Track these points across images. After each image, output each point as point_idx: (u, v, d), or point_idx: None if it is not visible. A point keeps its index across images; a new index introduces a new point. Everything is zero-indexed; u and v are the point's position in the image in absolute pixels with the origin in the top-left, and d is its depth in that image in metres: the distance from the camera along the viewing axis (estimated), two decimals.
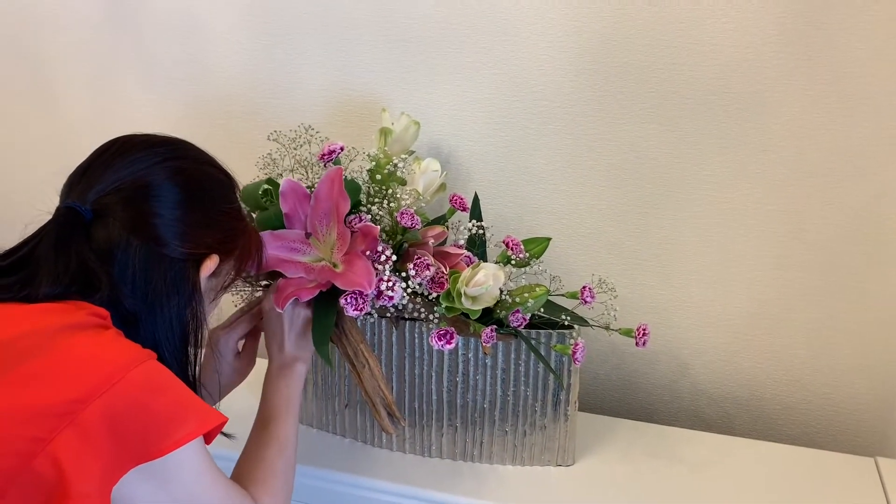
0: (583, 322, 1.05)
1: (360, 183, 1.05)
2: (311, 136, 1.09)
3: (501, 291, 1.00)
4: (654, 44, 1.10)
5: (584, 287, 1.02)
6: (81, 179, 0.78)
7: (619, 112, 1.14)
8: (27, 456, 0.65)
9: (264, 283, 1.06)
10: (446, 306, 0.97)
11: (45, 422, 0.66)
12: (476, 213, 1.11)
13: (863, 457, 1.13)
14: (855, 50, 1.03)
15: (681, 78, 1.10)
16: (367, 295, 0.94)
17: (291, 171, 1.07)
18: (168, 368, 0.75)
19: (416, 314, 1.02)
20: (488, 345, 0.97)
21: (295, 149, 1.08)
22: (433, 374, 1.09)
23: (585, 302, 1.02)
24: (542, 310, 1.04)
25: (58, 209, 0.79)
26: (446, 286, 0.97)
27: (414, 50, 1.20)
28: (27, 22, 1.40)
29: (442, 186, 1.13)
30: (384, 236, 1.01)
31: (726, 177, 1.13)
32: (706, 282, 1.20)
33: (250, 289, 1.07)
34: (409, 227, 0.98)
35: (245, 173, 1.04)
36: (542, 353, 1.04)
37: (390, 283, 0.95)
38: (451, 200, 1.07)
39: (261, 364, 1.03)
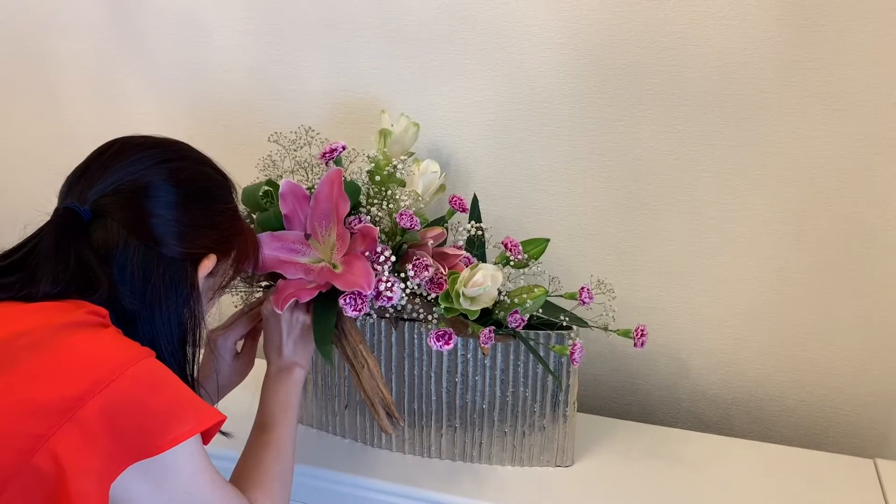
0: (581, 323, 1.05)
1: (360, 184, 1.06)
2: (312, 137, 1.09)
3: (500, 292, 1.00)
4: (653, 45, 1.10)
5: (582, 288, 1.03)
6: (80, 180, 0.79)
7: (618, 114, 1.14)
8: (27, 452, 0.66)
9: (264, 284, 1.07)
10: (445, 307, 0.98)
11: (45, 418, 0.67)
12: (475, 214, 1.11)
13: (862, 458, 1.13)
14: (854, 52, 1.03)
15: (680, 80, 1.10)
16: (365, 295, 0.95)
17: (292, 172, 1.08)
18: (167, 367, 0.75)
19: (414, 315, 1.02)
20: (487, 345, 0.98)
21: (295, 150, 1.09)
22: (432, 374, 1.09)
23: (584, 303, 1.02)
24: (540, 311, 1.04)
25: (57, 210, 0.79)
26: (445, 287, 0.98)
27: (414, 52, 1.20)
28: (30, 23, 1.41)
29: (441, 188, 1.13)
30: (383, 237, 1.01)
31: (726, 178, 1.14)
32: (706, 283, 1.20)
33: (250, 290, 1.08)
34: (408, 228, 0.98)
35: (245, 175, 1.05)
36: (541, 354, 1.04)
37: (389, 284, 0.95)
38: (450, 202, 1.07)
39: (260, 365, 1.03)
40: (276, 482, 0.89)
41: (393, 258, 0.96)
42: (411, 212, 0.99)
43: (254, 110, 1.32)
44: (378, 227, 0.99)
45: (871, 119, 1.06)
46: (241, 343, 1.05)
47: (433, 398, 1.11)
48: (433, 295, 0.98)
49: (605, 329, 1.04)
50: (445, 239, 1.06)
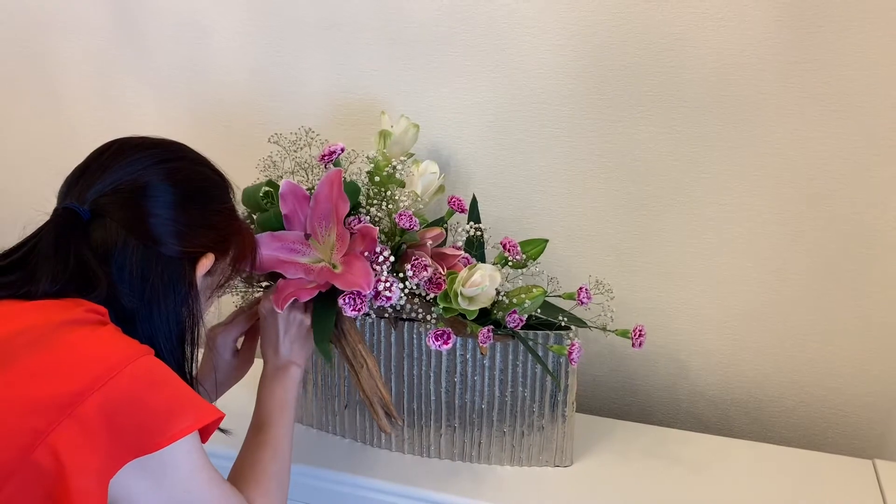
0: (580, 323, 1.05)
1: (360, 185, 1.06)
2: (312, 138, 1.10)
3: (498, 292, 1.00)
4: (651, 47, 1.10)
5: (580, 288, 1.03)
6: (79, 180, 0.80)
7: (617, 115, 1.15)
8: (27, 448, 0.67)
9: (265, 284, 1.07)
10: (444, 307, 0.98)
11: (45, 414, 0.67)
12: (474, 214, 1.12)
13: (860, 459, 1.14)
14: (852, 53, 1.04)
15: (678, 81, 1.11)
16: (364, 295, 0.95)
17: (292, 173, 1.09)
18: (166, 364, 0.76)
19: (413, 315, 1.03)
20: (485, 345, 0.98)
21: (295, 151, 1.09)
22: (431, 374, 1.10)
23: (582, 303, 1.03)
24: (539, 311, 1.04)
25: (56, 210, 0.80)
26: (443, 287, 0.98)
27: (414, 53, 1.21)
28: (33, 25, 1.42)
29: (440, 188, 1.14)
30: (383, 238, 1.01)
31: (724, 179, 1.14)
32: (704, 284, 1.20)
33: (250, 290, 1.08)
34: (408, 229, 0.99)
35: (246, 175, 1.06)
36: (540, 354, 1.05)
37: (388, 284, 0.96)
38: (449, 202, 1.08)
39: (259, 363, 1.04)
40: (273, 481, 0.89)
41: (392, 258, 0.97)
42: (410, 212, 0.99)
43: (254, 111, 1.33)
44: (378, 228, 0.99)
45: (869, 120, 1.06)
46: (240, 341, 1.06)
47: (432, 398, 1.11)
48: (432, 295, 0.99)
49: (604, 329, 1.05)
50: (445, 239, 1.07)
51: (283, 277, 1.00)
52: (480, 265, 0.97)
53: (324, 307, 1.00)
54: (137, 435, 0.70)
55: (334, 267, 1.00)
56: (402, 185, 1.09)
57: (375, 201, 1.04)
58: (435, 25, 1.18)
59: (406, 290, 0.97)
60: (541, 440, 1.10)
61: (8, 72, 1.47)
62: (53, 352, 0.71)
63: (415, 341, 1.09)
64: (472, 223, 1.06)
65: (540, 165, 1.21)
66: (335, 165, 1.06)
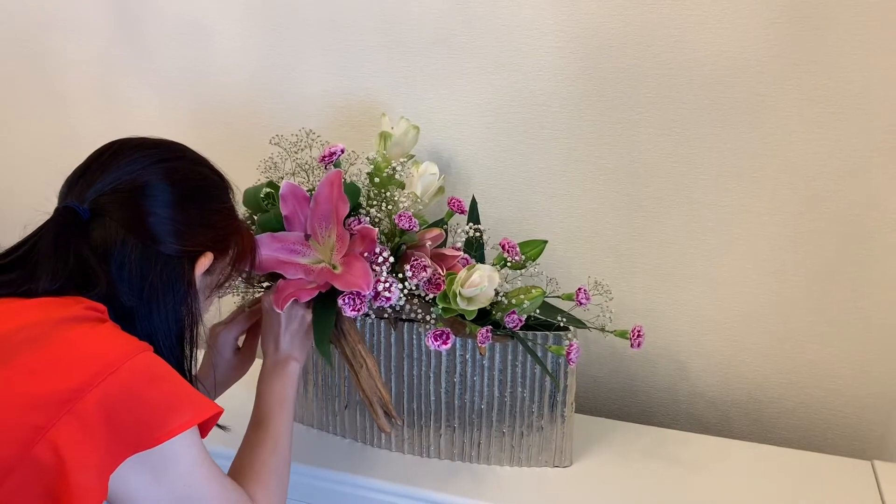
0: (578, 324, 1.06)
1: (360, 186, 1.07)
2: (313, 140, 1.11)
3: (497, 293, 1.01)
4: (650, 49, 1.11)
5: (579, 289, 1.03)
6: (79, 180, 0.81)
7: (616, 116, 1.15)
8: (28, 443, 0.67)
9: (266, 284, 1.08)
10: (443, 307, 0.98)
11: (45, 410, 0.68)
12: (474, 216, 1.12)
13: (860, 460, 1.14)
14: (850, 55, 1.04)
15: (677, 82, 1.11)
16: (364, 296, 0.96)
17: (293, 174, 1.09)
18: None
19: (413, 315, 1.03)
20: (484, 345, 0.99)
21: (296, 152, 1.10)
22: (431, 375, 1.10)
23: (580, 304, 1.03)
24: (538, 311, 1.05)
25: (57, 209, 0.81)
26: (443, 287, 0.99)
27: (415, 55, 1.21)
28: (34, 25, 1.43)
29: (440, 190, 1.14)
30: (383, 238, 1.02)
31: (723, 181, 1.14)
32: (704, 285, 1.20)
33: (251, 289, 1.09)
34: (407, 230, 0.99)
35: (247, 176, 1.06)
36: (539, 355, 1.05)
37: (387, 285, 0.96)
38: (448, 203, 1.08)
39: (260, 362, 1.04)
40: (273, 477, 0.89)
41: (391, 259, 0.97)
42: (410, 213, 1.00)
43: (255, 113, 1.34)
44: (377, 229, 1.00)
45: (868, 122, 1.06)
46: (241, 339, 1.06)
47: (432, 398, 1.11)
48: (431, 295, 0.99)
49: (602, 330, 1.05)
50: (444, 240, 1.07)
51: (284, 278, 1.01)
52: (479, 266, 0.98)
53: (324, 308, 1.01)
54: (137, 430, 0.71)
55: (334, 268, 1.00)
56: (402, 186, 1.10)
57: (375, 202, 1.04)
58: (435, 28, 1.19)
59: (405, 291, 0.98)
60: (540, 440, 1.11)
61: (10, 72, 1.48)
62: (53, 348, 0.72)
63: (414, 342, 1.09)
64: (471, 224, 1.06)
65: (539, 167, 1.21)
66: (335, 167, 1.06)
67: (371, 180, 1.07)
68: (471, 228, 1.05)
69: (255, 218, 1.06)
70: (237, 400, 1.01)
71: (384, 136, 1.13)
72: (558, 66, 1.15)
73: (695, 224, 1.18)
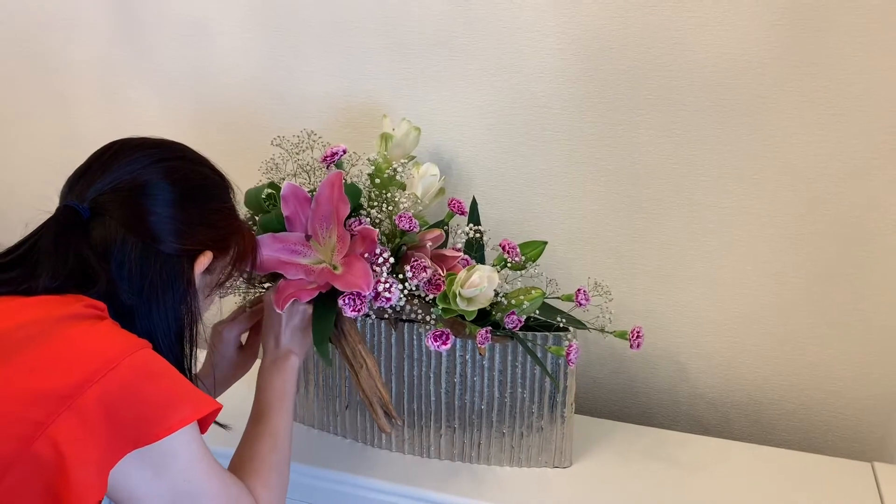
0: (578, 324, 1.06)
1: (361, 187, 1.07)
2: (314, 141, 1.11)
3: (497, 294, 1.01)
4: (651, 51, 1.11)
5: (578, 290, 1.04)
6: (80, 180, 0.82)
7: (617, 118, 1.16)
8: (28, 439, 0.68)
9: (267, 285, 1.08)
10: (442, 308, 0.99)
11: (45, 406, 0.69)
12: (474, 217, 1.12)
13: (860, 462, 1.14)
14: (850, 57, 1.04)
15: (678, 84, 1.12)
16: (364, 296, 0.96)
17: (294, 175, 1.10)
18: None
19: (413, 316, 1.04)
20: (483, 346, 0.99)
21: (297, 153, 1.10)
22: (431, 375, 1.11)
23: (580, 304, 1.03)
24: (537, 312, 1.05)
25: (57, 208, 0.82)
26: (443, 288, 0.99)
27: (416, 57, 1.22)
28: (37, 27, 1.44)
29: (441, 191, 1.15)
30: (383, 239, 1.02)
31: (724, 182, 1.14)
32: (704, 287, 1.21)
33: (252, 289, 1.10)
34: (407, 231, 1.00)
35: (248, 177, 1.07)
36: (539, 356, 1.05)
37: (388, 285, 0.96)
38: (449, 205, 1.09)
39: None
40: (273, 471, 0.90)
41: (392, 260, 0.98)
42: (410, 214, 1.00)
43: (257, 114, 1.34)
44: (378, 229, 1.00)
45: (868, 123, 1.06)
46: (244, 337, 1.07)
47: (432, 399, 1.12)
48: (431, 296, 0.99)
49: (602, 331, 1.05)
50: (445, 241, 1.08)
51: (284, 278, 1.01)
52: (479, 266, 0.98)
53: (324, 308, 1.01)
54: (136, 426, 0.71)
55: (335, 268, 1.01)
56: (403, 187, 1.10)
57: (376, 203, 1.05)
58: (437, 30, 1.19)
59: (406, 292, 0.98)
60: (540, 441, 1.11)
61: (12, 72, 1.49)
62: (53, 346, 0.72)
63: (415, 342, 1.10)
64: (471, 225, 1.07)
65: (540, 168, 1.21)
66: (337, 167, 1.07)
67: (372, 181, 1.08)
68: (471, 229, 1.06)
69: (257, 218, 1.06)
70: (238, 398, 1.01)
71: (385, 138, 1.13)
72: (559, 67, 1.16)
73: (695, 226, 1.18)
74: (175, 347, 0.82)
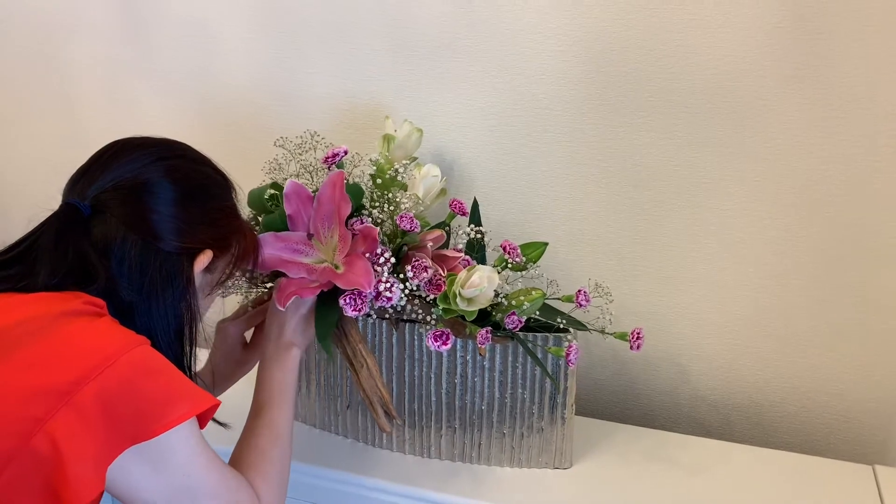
0: (578, 325, 1.06)
1: (363, 188, 1.08)
2: (317, 142, 1.11)
3: (498, 294, 1.01)
4: (653, 53, 1.11)
5: (579, 291, 1.04)
6: (82, 178, 0.82)
7: (618, 120, 1.16)
8: (26, 435, 0.68)
9: (269, 284, 1.09)
10: (443, 308, 0.99)
11: (43, 402, 0.69)
12: (475, 218, 1.13)
13: (861, 465, 1.13)
14: (852, 59, 1.04)
15: (680, 86, 1.12)
16: (365, 295, 0.96)
17: (297, 175, 1.10)
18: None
19: (414, 316, 1.04)
20: (483, 346, 0.99)
21: (300, 154, 1.11)
22: (432, 375, 1.11)
23: (580, 305, 1.04)
24: (538, 313, 1.05)
25: (60, 206, 0.82)
26: (443, 288, 0.99)
27: (419, 59, 1.22)
28: (43, 28, 1.45)
29: (442, 192, 1.15)
30: (385, 239, 1.03)
31: (725, 185, 1.15)
32: (706, 289, 1.21)
33: (254, 289, 1.10)
34: (409, 231, 1.00)
35: (252, 178, 1.07)
36: (539, 356, 1.06)
37: (388, 285, 0.97)
38: (450, 205, 1.09)
39: None
40: (274, 466, 0.89)
41: (392, 259, 0.98)
42: (411, 214, 1.00)
43: (260, 115, 1.35)
44: (379, 229, 1.00)
45: (870, 126, 1.06)
46: (248, 334, 1.08)
47: (433, 399, 1.12)
48: (432, 296, 1.00)
49: (602, 332, 1.05)
50: (447, 242, 1.08)
51: (287, 276, 1.02)
52: (479, 267, 0.98)
53: (327, 305, 1.01)
54: (134, 422, 0.72)
55: (336, 267, 1.01)
56: (405, 188, 1.11)
57: (377, 204, 1.05)
58: (439, 31, 1.20)
59: (406, 291, 0.98)
60: (540, 442, 1.11)
61: (18, 73, 1.50)
62: (52, 342, 0.73)
63: (416, 342, 1.10)
64: (472, 226, 1.07)
65: (542, 170, 1.22)
66: (339, 168, 1.07)
67: (374, 182, 1.08)
68: (472, 230, 1.06)
69: (260, 219, 1.07)
70: (238, 396, 1.02)
71: (387, 139, 1.14)
72: (561, 69, 1.16)
73: (696, 228, 1.18)
74: (174, 345, 0.83)
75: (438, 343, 0.98)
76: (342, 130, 1.30)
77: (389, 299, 0.97)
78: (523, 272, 1.06)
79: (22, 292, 0.78)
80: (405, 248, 1.04)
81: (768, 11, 1.05)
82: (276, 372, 0.97)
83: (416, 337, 1.10)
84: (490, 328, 0.99)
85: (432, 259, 1.02)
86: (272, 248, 1.02)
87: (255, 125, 1.36)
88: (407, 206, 1.03)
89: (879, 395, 1.18)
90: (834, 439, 1.22)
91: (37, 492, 0.69)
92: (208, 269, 0.86)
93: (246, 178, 0.99)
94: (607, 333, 1.05)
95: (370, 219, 1.03)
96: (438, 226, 1.10)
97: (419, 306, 1.03)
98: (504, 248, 1.04)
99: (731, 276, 1.19)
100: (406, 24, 1.21)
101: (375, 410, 1.05)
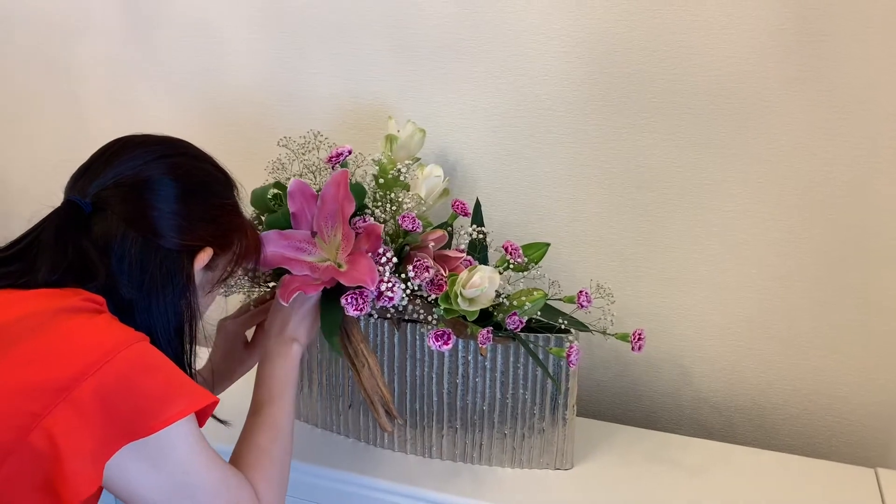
0: (580, 326, 1.06)
1: (366, 187, 1.08)
2: (321, 142, 1.12)
3: (499, 294, 1.02)
4: (656, 54, 1.11)
5: (580, 292, 1.04)
6: (83, 176, 0.83)
7: (621, 121, 1.16)
8: (24, 430, 0.68)
9: (272, 284, 1.09)
10: (444, 308, 0.99)
11: (41, 397, 0.69)
12: (477, 218, 1.13)
13: (863, 468, 1.13)
14: (855, 61, 1.04)
15: (683, 88, 1.12)
16: (367, 295, 0.97)
17: (300, 175, 1.10)
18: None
19: (415, 315, 1.04)
20: (484, 346, 0.99)
21: (304, 154, 1.11)
22: (433, 375, 1.11)
23: (582, 306, 1.04)
24: (539, 314, 1.05)
25: (61, 203, 0.83)
26: (445, 288, 0.99)
27: (422, 60, 1.23)
28: (51, 30, 1.46)
29: (445, 192, 1.15)
30: (387, 239, 1.03)
31: (728, 186, 1.15)
32: (708, 290, 1.21)
33: (257, 288, 1.10)
34: (410, 231, 1.00)
35: (255, 177, 1.08)
36: (540, 357, 1.06)
37: (390, 285, 0.97)
38: (452, 206, 1.09)
39: None
40: (275, 464, 0.89)
41: (394, 259, 0.98)
42: (413, 214, 1.01)
43: (264, 115, 1.35)
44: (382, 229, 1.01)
45: (872, 128, 1.06)
46: (250, 333, 1.08)
47: (434, 399, 1.12)
48: (433, 296, 1.00)
49: (604, 333, 1.05)
50: (449, 242, 1.08)
51: (290, 274, 1.02)
52: (481, 267, 0.99)
53: (331, 303, 1.02)
54: (132, 419, 0.72)
55: (339, 266, 1.01)
56: (407, 187, 1.11)
57: (380, 203, 1.05)
58: (442, 32, 1.20)
59: (408, 291, 0.99)
60: (541, 442, 1.11)
61: (27, 74, 1.51)
62: (50, 338, 0.73)
63: (417, 342, 1.10)
64: (474, 226, 1.07)
65: (545, 171, 1.22)
66: (342, 167, 1.07)
67: (376, 182, 1.09)
68: (474, 230, 1.06)
69: (263, 218, 1.07)
70: (239, 394, 1.02)
71: (390, 139, 1.14)
72: (564, 70, 1.16)
73: (699, 229, 1.18)
74: (174, 342, 0.83)
75: (440, 343, 0.98)
76: (346, 131, 1.31)
77: (391, 299, 0.97)
78: (525, 273, 1.06)
79: (22, 289, 0.78)
80: (407, 248, 1.04)
81: (771, 13, 1.05)
82: (277, 368, 0.96)
83: (417, 337, 1.10)
84: (491, 328, 1.00)
85: (434, 259, 1.02)
86: (276, 245, 1.02)
87: (258, 125, 1.36)
88: (409, 206, 1.03)
89: (882, 398, 1.18)
90: (836, 442, 1.22)
91: (34, 487, 0.69)
92: (209, 266, 0.86)
93: (249, 178, 1.00)
94: (609, 334, 1.05)
95: (372, 218, 1.03)
96: (441, 226, 1.11)
97: (421, 306, 1.03)
98: (506, 249, 1.05)
99: (734, 277, 1.19)
100: (409, 24, 1.22)
101: (377, 410, 1.05)
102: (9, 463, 0.68)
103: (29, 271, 0.79)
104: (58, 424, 0.69)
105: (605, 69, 1.14)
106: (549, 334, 1.05)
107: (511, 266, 1.04)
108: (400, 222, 1.00)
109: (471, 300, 0.98)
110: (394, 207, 1.04)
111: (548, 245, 1.08)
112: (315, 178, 1.10)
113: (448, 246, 1.08)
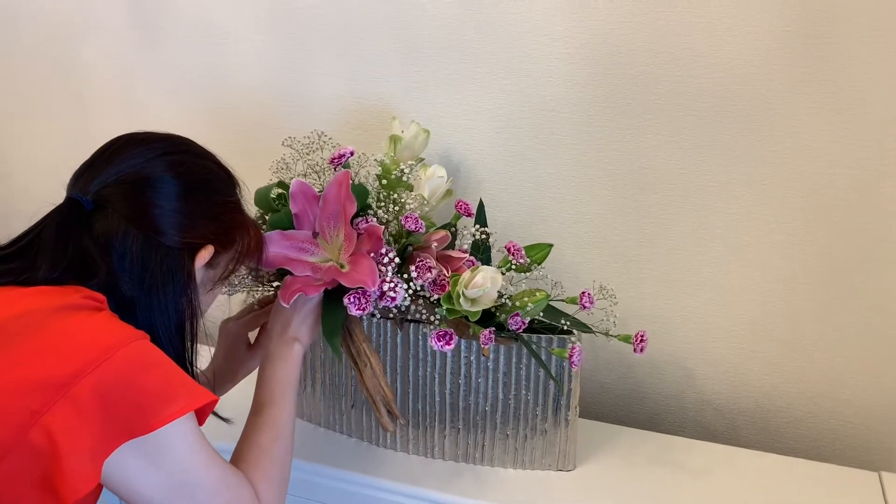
0: (582, 327, 1.06)
1: (369, 188, 1.08)
2: (324, 142, 1.12)
3: (501, 295, 1.02)
4: (660, 56, 1.11)
5: (583, 293, 1.04)
6: (85, 173, 0.83)
7: (625, 123, 1.16)
8: (23, 427, 0.69)
9: (276, 284, 1.09)
10: (447, 308, 0.99)
11: (41, 394, 0.69)
12: (481, 219, 1.13)
13: (867, 471, 1.13)
14: (860, 63, 1.04)
15: (687, 89, 1.12)
16: (369, 295, 0.97)
17: (304, 175, 1.11)
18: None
19: (418, 316, 1.04)
20: (487, 346, 0.99)
21: (308, 154, 1.11)
22: (436, 376, 1.11)
23: (584, 307, 1.04)
24: (542, 315, 1.05)
25: (62, 201, 0.83)
26: (447, 288, 1.00)
27: (426, 60, 1.23)
28: (58, 31, 1.46)
29: (448, 193, 1.15)
30: (390, 239, 1.03)
31: (732, 188, 1.14)
32: (712, 292, 1.20)
33: (260, 288, 1.11)
34: (413, 231, 1.01)
35: (259, 177, 1.08)
36: (543, 358, 1.06)
37: (393, 285, 0.97)
38: (456, 206, 1.09)
39: None
40: (275, 464, 0.89)
41: (397, 259, 0.98)
42: (416, 215, 1.01)
43: (269, 115, 1.36)
44: (384, 229, 1.01)
45: (877, 130, 1.06)
46: (252, 335, 1.08)
47: (437, 399, 1.12)
48: (436, 296, 1.00)
49: (606, 334, 1.05)
50: (452, 243, 1.08)
51: (292, 274, 1.02)
52: (483, 267, 0.99)
53: (333, 304, 1.02)
54: (131, 416, 0.72)
55: (341, 266, 1.02)
56: (411, 188, 1.11)
57: (383, 204, 1.06)
58: (447, 33, 1.20)
59: (410, 291, 0.99)
60: (544, 443, 1.11)
61: (32, 74, 1.51)
62: (50, 335, 0.73)
63: (420, 343, 1.10)
64: (477, 226, 1.07)
65: (548, 172, 1.22)
66: (344, 168, 1.08)
67: (379, 182, 1.09)
68: (477, 231, 1.06)
69: (266, 218, 1.08)
70: (241, 394, 1.02)
71: (394, 140, 1.14)
72: (568, 72, 1.16)
73: (703, 231, 1.18)
74: (175, 340, 0.83)
75: (441, 343, 0.99)
76: (350, 131, 1.31)
77: (393, 299, 0.97)
78: (527, 273, 1.06)
79: (22, 286, 0.78)
80: (410, 248, 1.04)
81: (776, 15, 1.05)
82: (279, 368, 0.96)
83: (420, 337, 1.10)
84: (494, 329, 1.00)
85: (437, 259, 1.02)
86: (278, 246, 1.02)
87: (263, 125, 1.37)
88: (412, 206, 1.03)
89: (886, 402, 1.17)
90: (840, 445, 1.21)
91: (33, 484, 0.70)
92: (210, 264, 0.86)
93: (253, 178, 1.00)
94: (611, 336, 1.05)
95: (375, 219, 1.03)
96: (444, 227, 1.11)
97: (423, 306, 1.04)
98: (508, 250, 1.05)
99: (738, 279, 1.18)
100: (414, 25, 1.22)
101: (379, 410, 1.05)
102: (8, 460, 0.69)
103: (30, 269, 0.79)
104: (57, 422, 0.69)
105: (609, 71, 1.14)
106: (551, 335, 1.05)
107: (513, 267, 1.04)
108: (403, 223, 1.00)
109: (473, 301, 0.99)
110: (397, 208, 1.04)
111: (551, 246, 1.08)
112: (319, 178, 1.11)
113: (451, 246, 1.08)
